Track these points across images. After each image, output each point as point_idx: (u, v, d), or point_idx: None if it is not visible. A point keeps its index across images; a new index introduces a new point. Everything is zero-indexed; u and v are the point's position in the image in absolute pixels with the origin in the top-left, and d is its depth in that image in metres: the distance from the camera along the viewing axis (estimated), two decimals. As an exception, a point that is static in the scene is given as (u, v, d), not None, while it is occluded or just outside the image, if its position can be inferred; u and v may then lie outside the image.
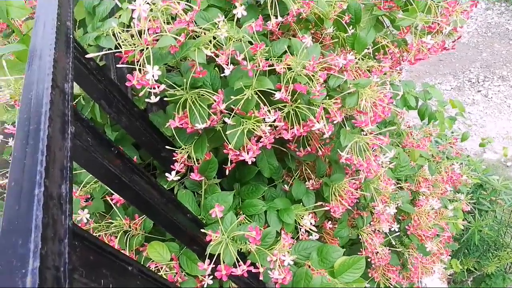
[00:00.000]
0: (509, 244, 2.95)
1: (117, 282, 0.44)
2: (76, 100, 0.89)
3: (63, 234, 0.36)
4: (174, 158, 0.85)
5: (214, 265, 0.73)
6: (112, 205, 0.81)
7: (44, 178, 0.36)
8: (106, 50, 0.79)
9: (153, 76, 0.68)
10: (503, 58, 5.76)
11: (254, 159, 0.82)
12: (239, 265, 0.73)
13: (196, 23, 0.81)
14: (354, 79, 0.93)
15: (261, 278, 0.77)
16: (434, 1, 1.04)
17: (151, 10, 0.71)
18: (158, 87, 0.71)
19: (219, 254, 0.73)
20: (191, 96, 0.79)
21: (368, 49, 1.09)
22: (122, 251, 0.81)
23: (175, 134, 0.84)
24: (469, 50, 5.97)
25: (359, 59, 1.00)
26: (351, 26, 1.01)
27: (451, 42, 1.12)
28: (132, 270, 0.48)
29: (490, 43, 6.04)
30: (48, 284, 0.31)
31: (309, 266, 0.88)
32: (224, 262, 0.73)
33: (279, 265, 0.76)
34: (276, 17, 0.83)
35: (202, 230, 0.77)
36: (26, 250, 0.31)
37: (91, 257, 0.42)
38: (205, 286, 0.79)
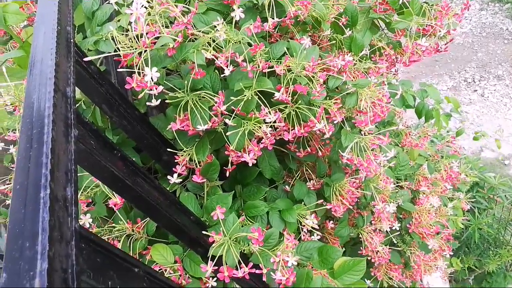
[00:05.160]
0: (509, 241, 2.95)
1: (124, 284, 0.44)
2: (77, 105, 0.89)
3: (69, 236, 0.36)
4: (175, 161, 0.85)
5: (217, 267, 0.73)
6: (114, 208, 0.81)
7: (49, 180, 0.36)
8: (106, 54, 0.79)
9: (151, 78, 0.68)
10: (498, 57, 5.80)
11: (255, 161, 0.82)
12: (241, 267, 0.72)
13: (195, 27, 0.81)
14: (352, 80, 0.94)
15: (264, 279, 0.77)
16: (428, 5, 1.05)
17: (148, 13, 0.72)
18: (157, 88, 0.71)
19: (222, 256, 0.73)
20: (192, 98, 0.79)
21: (364, 50, 1.10)
22: (125, 254, 0.80)
23: (176, 137, 0.84)
24: (464, 50, 6.01)
25: (356, 61, 1.01)
26: (348, 28, 1.02)
27: (444, 44, 1.14)
28: (139, 271, 0.48)
29: (485, 43, 6.08)
30: (56, 286, 0.30)
31: (312, 267, 0.88)
32: (226, 264, 0.73)
33: (282, 266, 0.76)
34: (273, 18, 0.84)
35: (204, 232, 0.77)
36: (34, 252, 0.31)
37: (98, 259, 0.42)
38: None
